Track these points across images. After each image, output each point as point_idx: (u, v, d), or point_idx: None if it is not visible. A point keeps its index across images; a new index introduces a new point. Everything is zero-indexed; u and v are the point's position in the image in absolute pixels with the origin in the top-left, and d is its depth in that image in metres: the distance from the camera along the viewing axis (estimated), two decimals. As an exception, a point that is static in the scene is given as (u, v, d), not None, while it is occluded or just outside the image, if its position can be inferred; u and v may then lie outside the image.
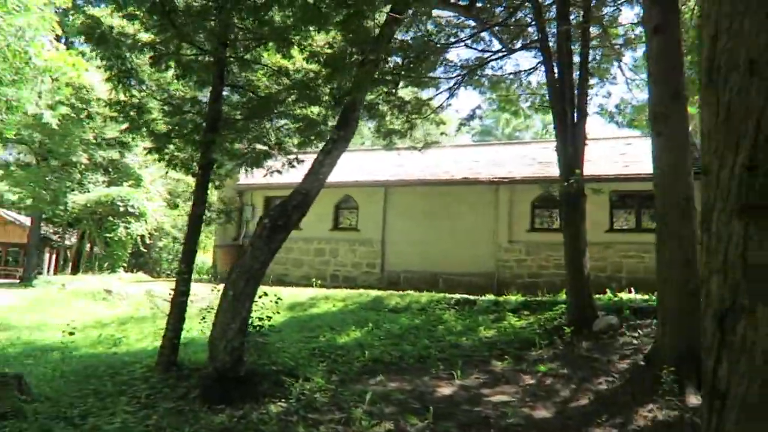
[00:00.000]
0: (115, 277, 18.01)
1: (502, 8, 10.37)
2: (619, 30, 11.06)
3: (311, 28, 8.56)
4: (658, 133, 6.43)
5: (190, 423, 5.91)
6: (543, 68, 12.17)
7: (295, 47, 8.53)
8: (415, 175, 15.54)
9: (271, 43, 8.44)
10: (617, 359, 6.90)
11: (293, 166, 9.94)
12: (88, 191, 20.20)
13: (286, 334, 9.74)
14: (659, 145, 6.42)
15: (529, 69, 12.50)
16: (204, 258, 23.89)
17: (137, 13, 7.70)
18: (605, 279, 12.83)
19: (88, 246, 20.59)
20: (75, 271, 20.67)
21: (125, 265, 19.97)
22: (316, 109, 9.62)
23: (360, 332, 9.86)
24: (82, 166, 20.11)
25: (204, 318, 8.28)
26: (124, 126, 9.38)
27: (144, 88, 9.01)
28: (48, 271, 25.08)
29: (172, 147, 8.93)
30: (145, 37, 8.28)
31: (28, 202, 20.06)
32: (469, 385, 6.84)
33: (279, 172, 9.76)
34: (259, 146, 9.68)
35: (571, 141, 8.90)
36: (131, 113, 8.87)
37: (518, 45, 11.13)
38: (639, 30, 11.50)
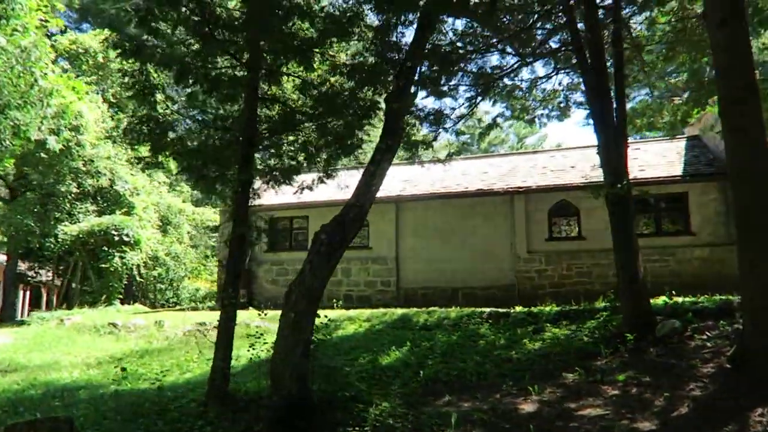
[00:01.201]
0: (113, 310, 17.16)
1: (532, 14, 10.22)
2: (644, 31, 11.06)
3: (334, 40, 8.33)
4: (731, 128, 6.26)
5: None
6: (568, 76, 12.21)
7: (317, 58, 8.27)
8: (425, 189, 15.27)
9: (296, 56, 8.06)
10: (699, 364, 6.64)
11: (323, 182, 9.55)
12: (78, 221, 19.35)
13: (323, 358, 9.26)
14: (734, 141, 6.24)
15: (544, 76, 12.44)
16: (196, 285, 23.14)
17: (168, 23, 7.32)
18: (630, 285, 12.65)
19: (74, 279, 19.65)
20: (60, 306, 19.69)
21: (121, 296, 19.10)
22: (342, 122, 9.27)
23: (400, 352, 9.43)
24: (71, 196, 19.28)
25: (252, 345, 7.79)
26: (146, 147, 8.89)
27: (169, 105, 8.58)
28: (22, 308, 23.91)
29: (201, 165, 8.46)
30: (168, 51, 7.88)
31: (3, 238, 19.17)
32: (550, 400, 6.49)
33: (310, 188, 9.34)
34: (287, 161, 9.30)
35: (614, 144, 8.73)
36: (156, 132, 8.39)
37: (538, 51, 11.00)
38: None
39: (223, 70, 8.25)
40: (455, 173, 15.80)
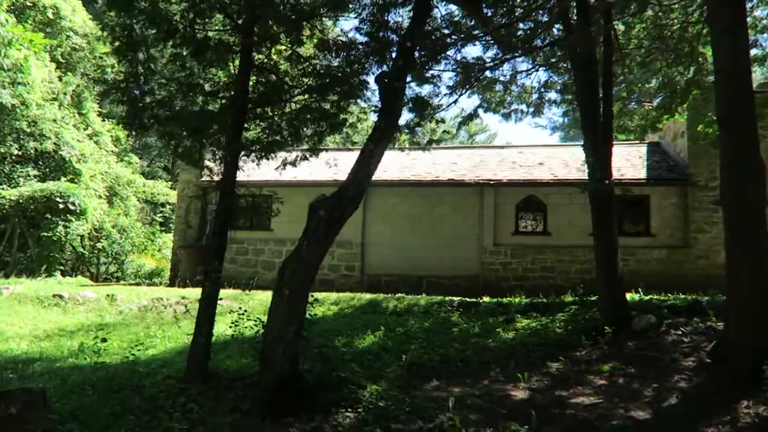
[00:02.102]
0: (54, 282, 16.12)
1: (519, 7, 10.24)
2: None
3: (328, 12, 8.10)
4: (726, 132, 6.46)
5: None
6: (546, 73, 12.34)
7: (306, 33, 8.01)
8: (395, 175, 15.16)
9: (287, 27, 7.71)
10: (681, 357, 6.87)
11: (306, 159, 9.24)
12: (18, 185, 18.03)
13: (313, 338, 9.00)
14: (727, 145, 6.44)
15: (524, 71, 12.54)
16: (147, 262, 22.14)
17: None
18: (591, 282, 12.98)
19: (10, 247, 18.30)
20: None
21: (62, 268, 17.96)
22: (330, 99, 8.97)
23: (376, 336, 9.32)
24: (12, 158, 17.94)
25: (236, 321, 7.47)
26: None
27: (152, 65, 8.03)
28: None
29: (184, 133, 7.99)
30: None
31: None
32: (539, 387, 6.55)
33: (293, 164, 9.03)
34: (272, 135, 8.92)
35: (601, 142, 8.88)
36: (134, 93, 7.86)
37: (526, 45, 11.03)
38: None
39: (213, 34, 7.83)
40: (425, 162, 15.76)
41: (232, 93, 7.53)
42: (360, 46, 8.28)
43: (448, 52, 10.86)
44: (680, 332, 7.69)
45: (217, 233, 7.20)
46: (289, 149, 9.07)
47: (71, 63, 21.57)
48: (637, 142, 16.27)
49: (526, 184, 14.09)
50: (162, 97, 8.02)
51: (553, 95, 13.21)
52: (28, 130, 17.82)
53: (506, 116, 13.86)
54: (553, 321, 9.80)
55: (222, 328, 9.88)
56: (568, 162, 15.01)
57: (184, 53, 7.86)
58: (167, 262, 21.56)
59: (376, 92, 8.15)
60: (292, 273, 6.15)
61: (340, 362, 6.65)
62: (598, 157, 8.82)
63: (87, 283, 16.79)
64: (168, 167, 36.21)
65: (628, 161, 14.72)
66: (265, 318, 6.80)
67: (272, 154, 8.71)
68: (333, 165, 9.73)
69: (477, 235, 14.26)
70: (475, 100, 13.35)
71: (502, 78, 12.50)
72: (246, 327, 7.49)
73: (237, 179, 7.82)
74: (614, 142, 17.77)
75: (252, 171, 10.11)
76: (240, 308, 8.78)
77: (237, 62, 7.93)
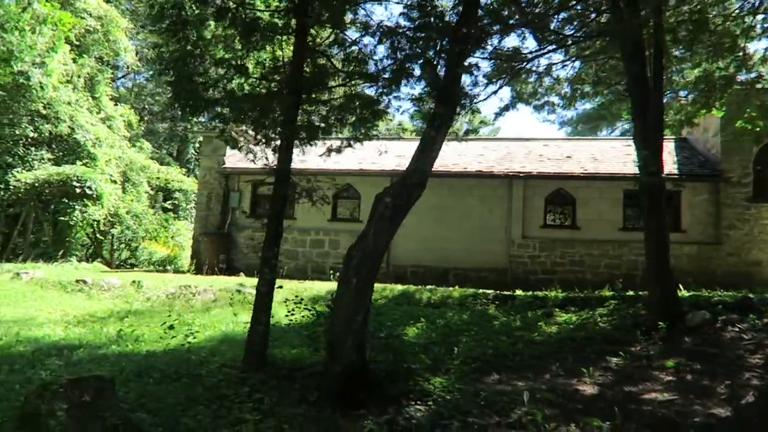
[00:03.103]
0: (70, 267, 15.91)
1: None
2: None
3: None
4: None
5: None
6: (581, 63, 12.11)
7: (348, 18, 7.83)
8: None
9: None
10: (746, 354, 6.75)
11: (350, 146, 9.02)
12: (33, 168, 17.74)
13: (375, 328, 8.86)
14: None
15: (559, 62, 12.36)
16: (159, 250, 21.92)
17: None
18: (620, 276, 12.94)
19: (25, 232, 18.03)
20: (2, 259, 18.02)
21: (78, 253, 17.71)
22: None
23: (418, 329, 9.17)
24: (29, 140, 17.63)
25: (292, 311, 7.31)
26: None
27: (201, 45, 7.80)
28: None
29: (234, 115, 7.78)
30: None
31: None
32: (604, 383, 6.41)
33: (338, 151, 8.81)
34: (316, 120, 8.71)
35: (652, 134, 8.72)
36: (185, 74, 7.63)
37: (577, 35, 10.80)
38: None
39: (264, 14, 7.62)
40: (451, 153, 15.54)
41: (287, 75, 7.32)
42: (407, 32, 8.08)
43: (491, 41, 10.67)
44: (737, 329, 7.58)
45: (273, 219, 7.01)
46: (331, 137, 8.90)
47: (85, 45, 21.19)
48: (665, 138, 16.12)
49: (556, 177, 13.93)
50: (216, 79, 7.83)
51: (586, 87, 13.06)
52: (44, 113, 17.50)
53: (538, 108, 13.69)
54: (593, 315, 9.69)
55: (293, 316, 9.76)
56: (596, 156, 14.86)
57: (233, 33, 7.67)
58: (180, 249, 21.40)
59: (415, 81, 7.97)
60: (359, 262, 5.99)
61: (406, 353, 6.47)
62: (651, 150, 8.64)
63: (104, 269, 16.58)
64: (173, 153, 35.85)
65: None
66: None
67: (320, 140, 8.54)
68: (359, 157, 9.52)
69: (505, 228, 14.11)
70: (505, 91, 13.12)
71: (537, 69, 12.35)
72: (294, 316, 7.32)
73: (259, 166, 7.66)
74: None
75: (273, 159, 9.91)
76: (295, 297, 8.54)
77: (280, 45, 7.79)
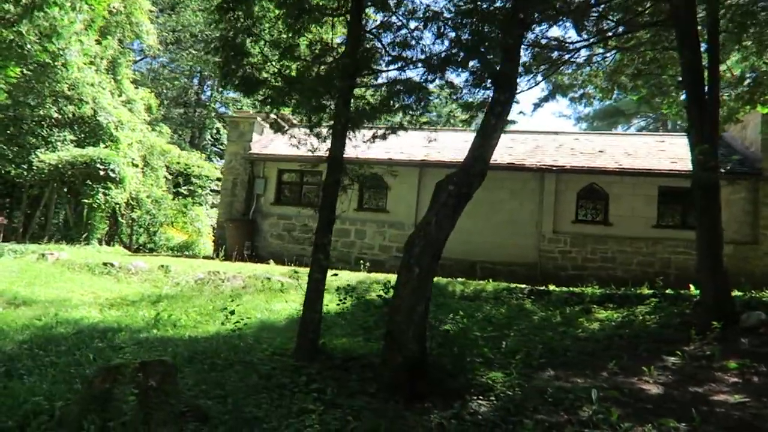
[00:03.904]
0: (92, 250, 15.81)
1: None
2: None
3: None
4: None
5: (409, 425, 4.88)
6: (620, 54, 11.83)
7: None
8: (450, 157, 14.76)
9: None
10: (813, 357, 6.55)
11: (394, 133, 8.81)
12: (56, 149, 17.61)
13: (362, 318, 8.72)
14: None
15: (599, 54, 12.13)
16: (176, 235, 21.82)
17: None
18: (653, 274, 12.72)
19: (47, 212, 17.93)
20: (21, 240, 17.93)
21: (99, 236, 17.59)
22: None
23: (457, 322, 8.98)
24: (52, 121, 17.49)
25: (343, 299, 7.15)
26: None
27: (249, 23, 7.59)
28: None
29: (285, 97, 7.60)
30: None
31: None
32: (666, 382, 6.23)
33: (383, 138, 8.59)
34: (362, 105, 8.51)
35: (708, 128, 8.47)
36: (233, 54, 7.45)
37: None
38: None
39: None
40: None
41: (342, 57, 7.12)
42: (455, 17, 7.84)
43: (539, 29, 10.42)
44: (796, 331, 7.37)
45: (326, 206, 6.84)
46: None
47: (108, 27, 20.99)
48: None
49: (589, 172, 13.70)
50: (265, 59, 7.66)
51: (623, 79, 12.79)
52: (69, 94, 17.34)
53: (575, 100, 13.44)
54: (634, 313, 9.51)
55: (294, 306, 9.62)
56: (629, 151, 14.61)
57: (283, 14, 7.47)
58: (198, 236, 21.29)
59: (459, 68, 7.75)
60: (422, 250, 5.81)
61: (468, 345, 6.29)
62: (705, 143, 8.39)
63: (126, 253, 16.46)
64: (187, 140, 35.69)
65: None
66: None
67: (358, 128, 8.36)
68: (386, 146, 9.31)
69: (535, 222, 13.91)
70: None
71: (576, 60, 12.09)
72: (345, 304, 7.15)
73: (284, 153, 7.35)
74: (673, 134, 17.42)
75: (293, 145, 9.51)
76: (347, 286, 8.36)
77: (333, 26, 7.60)
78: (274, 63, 7.74)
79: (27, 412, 4.47)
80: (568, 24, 10.80)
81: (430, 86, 7.94)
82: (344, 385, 5.60)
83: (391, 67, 8.05)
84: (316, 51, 7.52)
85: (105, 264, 12.68)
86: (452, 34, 7.78)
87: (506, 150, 15.11)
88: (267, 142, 16.24)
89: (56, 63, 15.91)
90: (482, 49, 7.39)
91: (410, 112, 8.93)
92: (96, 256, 14.04)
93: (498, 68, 7.13)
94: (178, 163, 21.74)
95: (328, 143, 8.73)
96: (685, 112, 8.97)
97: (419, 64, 7.81)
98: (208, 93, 35.87)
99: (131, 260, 13.14)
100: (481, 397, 5.53)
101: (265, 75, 7.58)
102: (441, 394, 5.55)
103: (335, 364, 6.10)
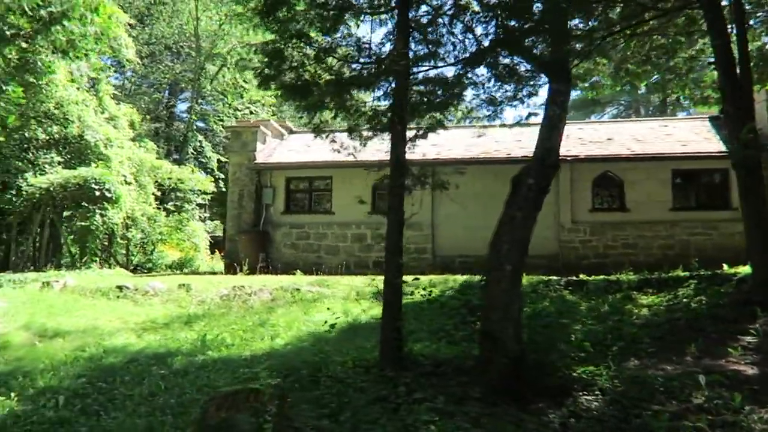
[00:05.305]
0: (93, 274, 15.15)
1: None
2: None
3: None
4: None
5: (531, 428, 4.70)
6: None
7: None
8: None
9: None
10: None
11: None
12: (44, 173, 16.85)
13: (437, 321, 8.51)
14: None
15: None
16: (170, 252, 21.18)
17: None
18: (674, 257, 12.83)
19: (41, 238, 17.15)
20: (16, 269, 17.13)
21: (97, 259, 16.90)
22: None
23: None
24: (39, 143, 16.74)
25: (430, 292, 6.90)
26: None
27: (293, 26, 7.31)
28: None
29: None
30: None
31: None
32: (756, 361, 6.19)
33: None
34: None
35: (744, 108, 8.51)
36: (274, 56, 7.17)
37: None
38: None
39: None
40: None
41: (394, 55, 6.89)
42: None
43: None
44: None
45: (394, 209, 6.61)
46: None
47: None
48: (693, 117, 16.14)
49: (603, 160, 13.75)
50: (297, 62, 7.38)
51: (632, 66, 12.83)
52: (56, 113, 16.63)
53: (585, 89, 13.48)
54: (677, 296, 9.52)
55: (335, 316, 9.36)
56: (638, 137, 14.73)
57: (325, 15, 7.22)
58: (196, 251, 20.70)
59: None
60: (510, 247, 5.64)
61: (563, 341, 6.14)
62: (741, 123, 8.40)
63: (127, 274, 15.84)
64: (163, 154, 34.76)
65: (698, 135, 14.53)
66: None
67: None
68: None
69: (553, 213, 13.88)
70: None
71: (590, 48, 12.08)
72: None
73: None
74: (672, 118, 17.67)
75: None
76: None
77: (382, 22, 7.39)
78: (313, 65, 7.45)
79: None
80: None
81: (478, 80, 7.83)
82: (446, 392, 5.37)
83: (441, 63, 7.81)
84: (368, 52, 7.27)
85: (119, 287, 12.12)
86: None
87: (515, 143, 15.08)
88: (270, 151, 15.86)
89: (41, 81, 15.18)
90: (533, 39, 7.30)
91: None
92: (103, 279, 13.45)
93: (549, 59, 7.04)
94: (170, 178, 21.08)
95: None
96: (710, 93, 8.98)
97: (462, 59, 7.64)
98: (181, 106, 35.14)
99: (145, 281, 12.61)
100: (585, 392, 5.39)
101: (306, 78, 7.29)
102: (543, 392, 5.38)
103: (426, 371, 5.87)
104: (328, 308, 9.66)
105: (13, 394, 5.52)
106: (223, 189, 25.25)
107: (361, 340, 7.79)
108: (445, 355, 6.29)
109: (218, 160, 28.91)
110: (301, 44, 7.23)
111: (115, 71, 30.83)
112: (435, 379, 5.69)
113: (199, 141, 28.06)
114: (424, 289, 7.55)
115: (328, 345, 7.55)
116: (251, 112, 29.95)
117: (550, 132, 6.38)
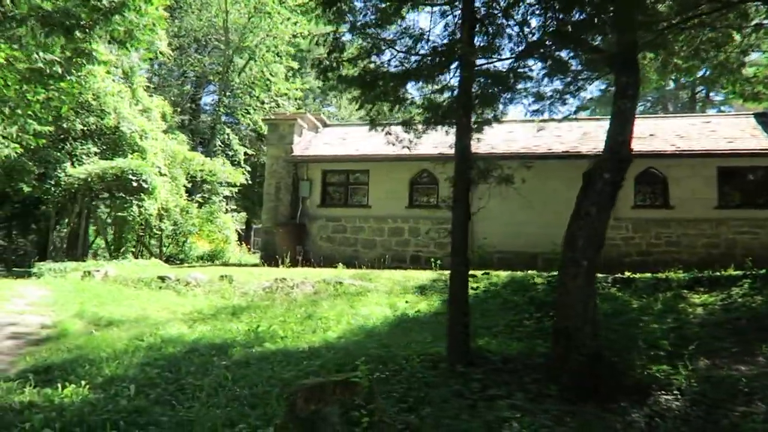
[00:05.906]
0: (131, 264, 15.26)
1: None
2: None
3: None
4: None
5: (616, 428, 4.60)
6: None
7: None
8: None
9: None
10: None
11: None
12: (81, 163, 17.02)
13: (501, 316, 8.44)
14: None
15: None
16: (201, 243, 21.29)
17: None
18: (719, 256, 12.59)
19: (78, 228, 17.35)
20: (58, 258, 17.28)
21: (133, 249, 17.06)
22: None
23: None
24: (77, 134, 16.89)
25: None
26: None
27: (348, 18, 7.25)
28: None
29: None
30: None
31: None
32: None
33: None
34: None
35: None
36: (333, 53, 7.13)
37: None
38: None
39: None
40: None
41: (460, 46, 6.79)
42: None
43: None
44: None
45: (459, 202, 6.53)
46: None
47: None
48: (739, 114, 15.79)
49: (646, 156, 13.49)
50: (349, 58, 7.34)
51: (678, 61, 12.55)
52: (95, 104, 16.77)
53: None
54: (731, 296, 9.31)
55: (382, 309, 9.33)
56: (681, 133, 14.46)
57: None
58: (226, 243, 20.79)
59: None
60: (586, 242, 5.53)
61: (640, 339, 6.03)
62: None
63: (161, 264, 15.96)
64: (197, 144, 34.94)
65: (744, 131, 14.21)
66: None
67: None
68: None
69: (594, 210, 13.67)
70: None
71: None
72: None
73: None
74: (715, 114, 17.31)
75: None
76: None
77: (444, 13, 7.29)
78: (374, 57, 7.38)
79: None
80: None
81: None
82: (521, 389, 5.30)
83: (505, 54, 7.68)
84: (428, 43, 7.18)
85: (160, 278, 12.21)
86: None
87: (554, 138, 14.89)
88: (306, 144, 15.84)
89: (80, 73, 15.27)
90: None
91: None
92: (141, 270, 13.57)
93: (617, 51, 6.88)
94: (202, 170, 21.16)
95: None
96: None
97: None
98: (206, 99, 35.29)
99: (186, 272, 12.68)
100: (664, 392, 5.27)
101: (368, 69, 7.23)
102: (619, 391, 5.28)
103: (497, 367, 5.80)
104: (375, 304, 9.63)
105: (83, 383, 5.54)
106: (249, 182, 25.34)
107: (415, 334, 7.74)
108: (513, 351, 6.19)
109: (245, 153, 28.98)
110: (364, 35, 7.17)
111: (146, 64, 31.10)
112: (506, 375, 5.61)
113: (227, 134, 28.13)
114: (489, 282, 7.45)
115: (384, 339, 7.50)
116: (278, 105, 29.95)
117: (623, 126, 6.24)
